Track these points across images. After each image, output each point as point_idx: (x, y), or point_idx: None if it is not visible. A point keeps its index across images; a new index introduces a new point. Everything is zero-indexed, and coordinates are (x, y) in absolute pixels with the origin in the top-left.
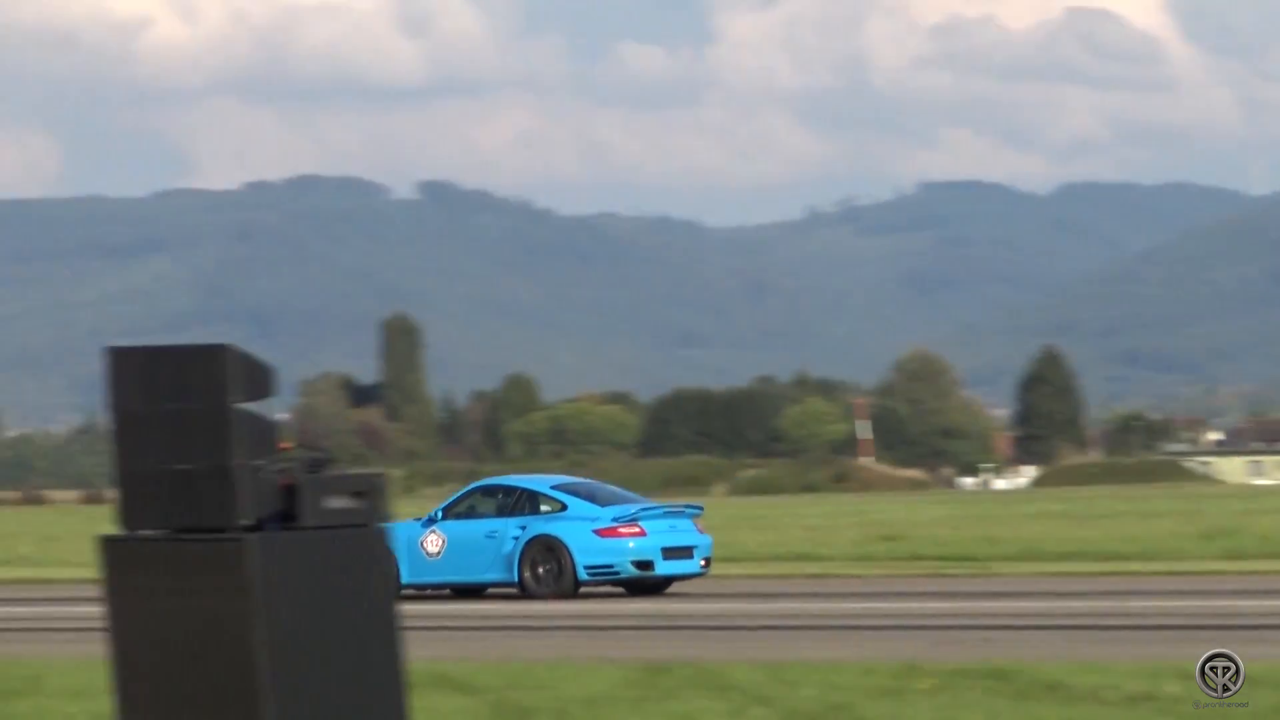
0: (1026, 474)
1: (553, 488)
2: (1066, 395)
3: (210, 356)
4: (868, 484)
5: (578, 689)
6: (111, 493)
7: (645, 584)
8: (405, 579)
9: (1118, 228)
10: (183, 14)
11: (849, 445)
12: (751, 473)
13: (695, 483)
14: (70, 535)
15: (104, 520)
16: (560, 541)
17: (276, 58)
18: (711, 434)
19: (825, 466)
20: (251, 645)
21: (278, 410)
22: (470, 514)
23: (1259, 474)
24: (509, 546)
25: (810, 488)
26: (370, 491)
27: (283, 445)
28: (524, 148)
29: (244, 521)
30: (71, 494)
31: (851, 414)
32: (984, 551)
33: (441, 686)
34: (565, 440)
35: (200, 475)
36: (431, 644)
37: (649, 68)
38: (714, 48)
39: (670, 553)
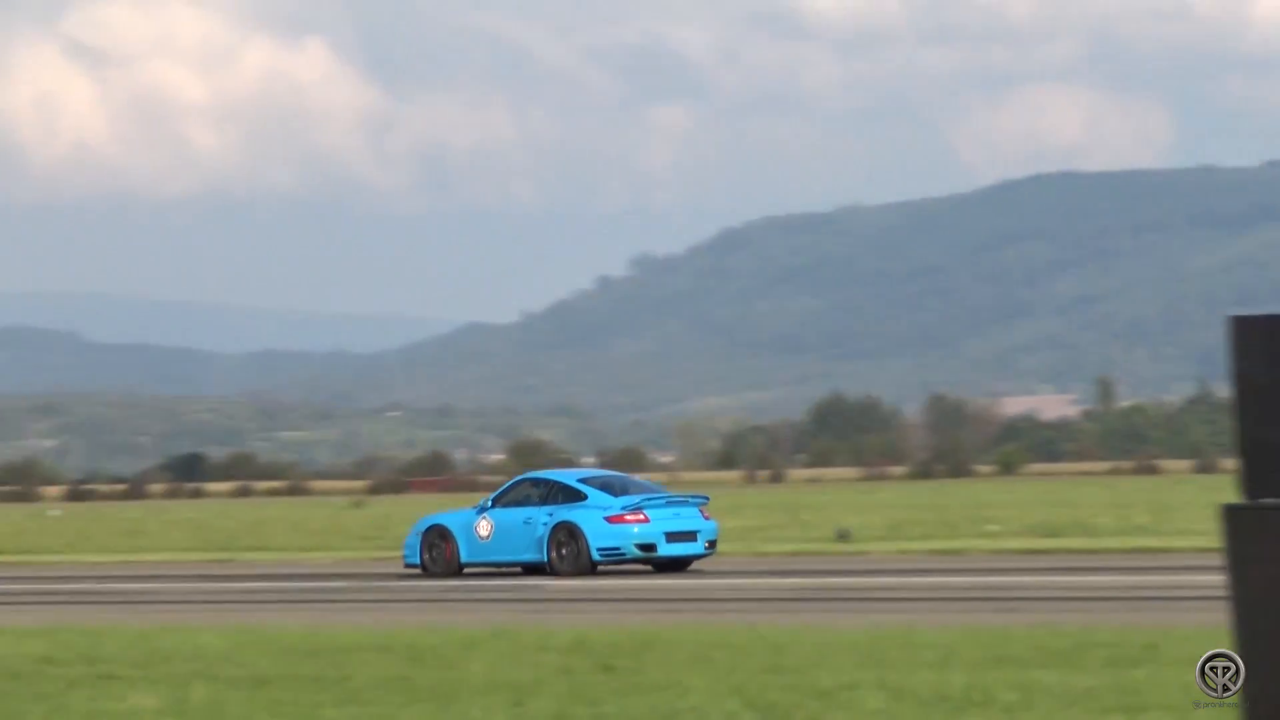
0: None
1: (578, 480)
2: None
3: None
4: None
5: None
6: (1229, 461)
7: (660, 563)
8: (464, 558)
9: None
10: None
11: None
12: None
13: None
14: (1186, 505)
15: (1221, 489)
16: (578, 527)
17: None
18: None
19: None
20: None
21: None
22: (515, 503)
23: None
24: (540, 531)
25: None
26: None
27: None
28: None
29: None
30: (1184, 463)
31: None
32: None
33: None
34: None
35: None
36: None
37: None
38: None
39: (674, 536)
